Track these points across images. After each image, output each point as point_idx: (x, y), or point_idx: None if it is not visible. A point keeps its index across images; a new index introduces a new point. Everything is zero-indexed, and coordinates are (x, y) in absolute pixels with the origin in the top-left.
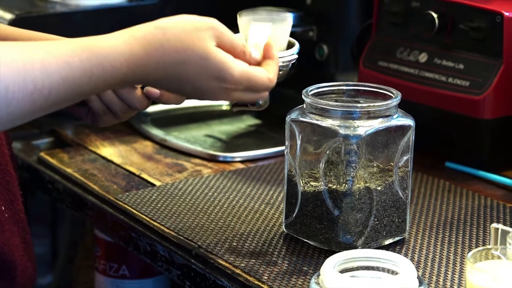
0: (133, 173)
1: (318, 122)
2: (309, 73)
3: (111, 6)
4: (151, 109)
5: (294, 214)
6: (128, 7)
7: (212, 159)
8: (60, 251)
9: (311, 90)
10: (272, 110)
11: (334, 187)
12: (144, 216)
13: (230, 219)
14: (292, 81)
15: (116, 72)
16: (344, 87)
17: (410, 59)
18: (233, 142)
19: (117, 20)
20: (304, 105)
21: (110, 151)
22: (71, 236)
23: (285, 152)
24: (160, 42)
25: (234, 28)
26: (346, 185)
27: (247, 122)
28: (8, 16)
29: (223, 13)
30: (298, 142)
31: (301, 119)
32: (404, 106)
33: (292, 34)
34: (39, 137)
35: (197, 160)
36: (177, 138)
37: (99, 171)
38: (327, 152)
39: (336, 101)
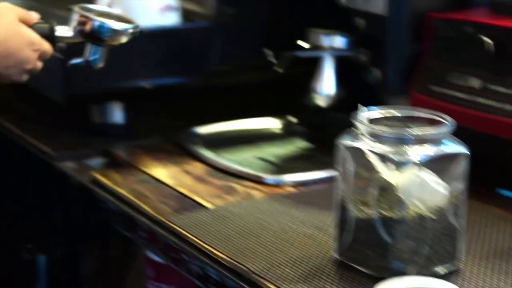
0: (185, 195)
1: (370, 148)
2: (361, 97)
3: (165, 28)
4: (203, 130)
5: (346, 240)
6: (180, 29)
7: (263, 181)
8: (111, 271)
9: (363, 115)
10: (324, 134)
11: (387, 214)
12: (195, 239)
13: (282, 244)
14: (344, 105)
15: None
16: (397, 113)
17: (463, 85)
18: (284, 165)
19: (169, 42)
20: (356, 130)
21: (162, 172)
22: (122, 256)
23: (337, 177)
24: None
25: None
26: (399, 213)
27: (298, 145)
28: None
29: (273, 36)
30: (350, 168)
31: (353, 144)
32: (457, 132)
33: (344, 58)
34: (92, 157)
35: (248, 183)
36: (228, 160)
37: (151, 192)
38: (380, 178)
39: (388, 126)
